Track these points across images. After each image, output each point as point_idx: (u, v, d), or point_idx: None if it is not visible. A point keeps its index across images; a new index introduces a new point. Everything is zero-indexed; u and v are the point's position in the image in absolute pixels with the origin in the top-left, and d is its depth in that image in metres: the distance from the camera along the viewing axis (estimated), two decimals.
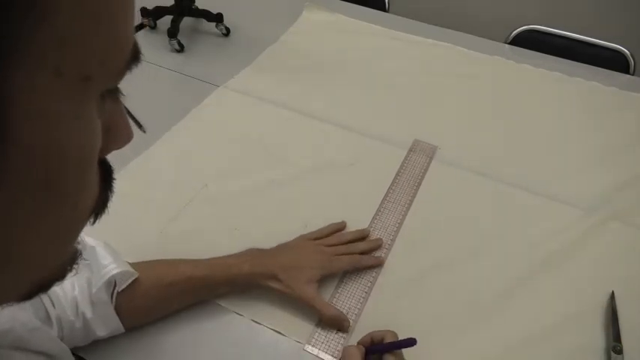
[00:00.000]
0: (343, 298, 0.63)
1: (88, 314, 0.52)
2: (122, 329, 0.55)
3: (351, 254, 0.66)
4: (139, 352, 0.57)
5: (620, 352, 0.58)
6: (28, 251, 0.19)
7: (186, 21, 1.11)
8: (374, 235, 0.71)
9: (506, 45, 1.17)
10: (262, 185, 0.78)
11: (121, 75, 0.20)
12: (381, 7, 1.33)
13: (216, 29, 1.12)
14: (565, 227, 0.73)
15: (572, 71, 1.03)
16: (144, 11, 1.11)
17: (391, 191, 0.78)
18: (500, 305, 0.64)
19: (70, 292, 0.52)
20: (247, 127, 0.88)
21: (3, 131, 0.15)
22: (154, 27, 1.12)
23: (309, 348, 0.58)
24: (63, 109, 0.17)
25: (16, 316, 0.35)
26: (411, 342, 0.51)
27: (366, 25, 1.16)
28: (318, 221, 0.70)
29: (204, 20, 1.13)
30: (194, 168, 0.80)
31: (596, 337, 0.61)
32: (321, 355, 0.58)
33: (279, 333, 0.60)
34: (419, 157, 0.84)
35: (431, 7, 1.87)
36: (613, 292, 0.64)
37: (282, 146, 0.85)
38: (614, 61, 1.14)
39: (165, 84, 1.00)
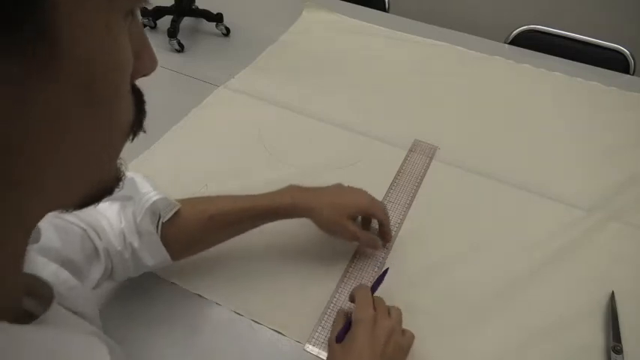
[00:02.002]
0: (343, 299, 0.63)
1: (136, 244, 0.54)
2: (169, 260, 0.57)
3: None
4: (138, 352, 0.57)
5: (620, 352, 0.58)
6: (77, 158, 0.23)
7: (186, 21, 1.11)
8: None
9: (506, 45, 1.17)
10: (262, 185, 0.77)
11: None
12: (381, 7, 1.33)
13: (216, 29, 1.12)
14: (565, 227, 0.73)
15: (572, 71, 1.03)
16: (144, 11, 1.10)
17: (391, 191, 0.78)
18: (500, 305, 0.64)
19: (117, 225, 0.54)
20: (247, 127, 0.88)
21: (53, 38, 0.19)
22: (154, 27, 1.12)
23: (309, 348, 0.58)
24: (94, 20, 0.21)
25: (58, 274, 0.36)
26: (385, 272, 0.59)
27: (366, 25, 1.16)
28: None
29: (204, 20, 1.13)
30: (194, 168, 0.80)
31: (596, 337, 0.61)
32: (321, 354, 0.58)
33: (279, 333, 0.60)
34: (419, 157, 0.84)
35: (431, 7, 1.88)
36: (613, 292, 0.64)
37: (282, 146, 0.85)
38: (614, 61, 1.14)
39: (165, 84, 0.99)
